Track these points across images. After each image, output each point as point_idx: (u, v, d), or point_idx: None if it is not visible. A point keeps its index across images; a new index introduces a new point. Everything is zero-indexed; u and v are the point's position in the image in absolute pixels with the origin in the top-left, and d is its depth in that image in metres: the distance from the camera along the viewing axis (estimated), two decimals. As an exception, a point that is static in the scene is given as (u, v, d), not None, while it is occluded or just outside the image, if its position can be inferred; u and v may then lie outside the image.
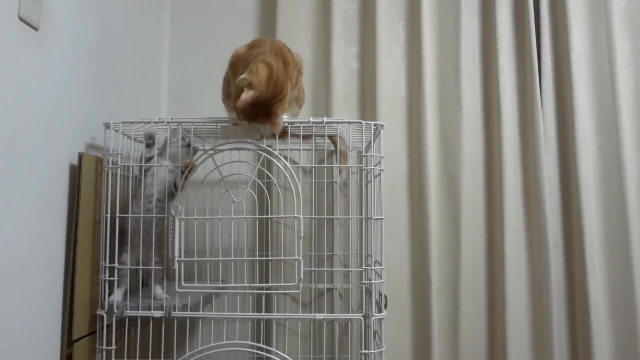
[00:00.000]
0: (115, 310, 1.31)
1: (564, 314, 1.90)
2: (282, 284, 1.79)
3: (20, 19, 1.09)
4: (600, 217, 1.90)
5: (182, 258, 1.30)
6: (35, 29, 1.14)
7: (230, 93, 1.35)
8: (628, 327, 1.84)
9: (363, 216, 1.40)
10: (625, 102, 1.90)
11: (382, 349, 1.34)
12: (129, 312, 1.33)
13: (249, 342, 1.74)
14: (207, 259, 1.50)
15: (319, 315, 1.38)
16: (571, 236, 1.92)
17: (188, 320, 1.41)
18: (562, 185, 1.94)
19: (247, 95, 1.21)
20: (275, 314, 1.83)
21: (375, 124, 1.38)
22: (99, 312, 1.31)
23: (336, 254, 1.85)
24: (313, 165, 1.82)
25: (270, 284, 1.82)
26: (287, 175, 1.31)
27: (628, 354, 1.83)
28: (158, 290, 1.40)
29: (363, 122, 1.37)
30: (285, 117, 1.38)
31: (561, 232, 1.93)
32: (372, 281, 1.36)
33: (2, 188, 1.03)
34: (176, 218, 1.30)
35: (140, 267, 1.37)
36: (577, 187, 1.87)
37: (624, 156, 1.86)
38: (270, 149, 1.33)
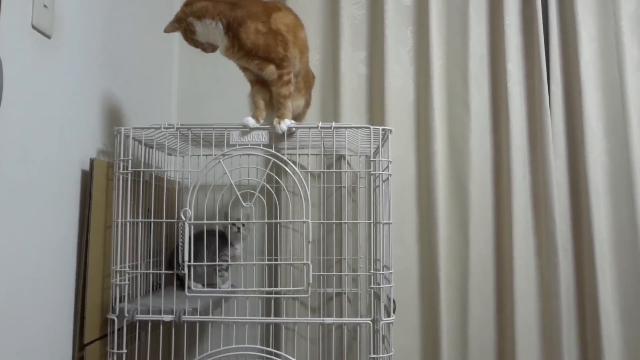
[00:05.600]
0: (126, 314, 1.32)
1: (573, 319, 1.89)
2: (291, 288, 1.79)
3: (34, 27, 1.10)
4: (610, 222, 1.89)
5: (192, 262, 1.31)
6: (48, 36, 1.16)
7: None
8: (638, 332, 1.83)
9: (372, 221, 1.41)
10: (634, 106, 1.89)
11: (391, 354, 1.34)
12: (140, 316, 1.34)
13: (258, 346, 1.75)
14: (217, 263, 1.51)
15: (328, 320, 1.38)
16: (581, 241, 1.91)
17: (198, 324, 1.42)
18: (571, 189, 1.94)
19: None
20: (284, 318, 1.84)
21: (383, 129, 1.38)
22: (110, 316, 1.32)
23: (345, 259, 1.86)
24: (321, 170, 1.83)
25: (279, 289, 1.83)
26: (296, 180, 1.32)
27: (639, 359, 1.82)
28: None
29: (371, 127, 1.38)
30: (290, 122, 1.40)
31: (570, 237, 1.92)
32: (381, 285, 1.37)
33: (15, 194, 1.05)
34: (186, 223, 1.31)
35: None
36: (587, 191, 1.86)
37: (633, 160, 1.85)
38: (279, 154, 1.34)
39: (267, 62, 1.38)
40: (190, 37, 1.39)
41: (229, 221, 1.62)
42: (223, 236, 1.61)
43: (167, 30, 1.39)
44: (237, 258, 1.67)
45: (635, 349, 1.83)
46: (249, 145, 1.38)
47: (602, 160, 1.91)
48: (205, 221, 1.43)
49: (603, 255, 1.84)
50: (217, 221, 1.42)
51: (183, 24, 1.37)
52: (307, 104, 1.60)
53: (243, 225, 1.65)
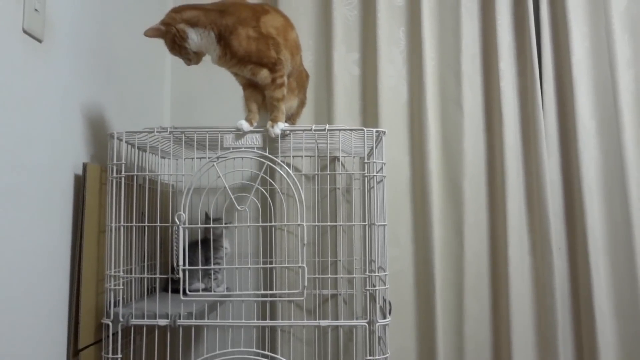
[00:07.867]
0: (121, 319, 1.32)
1: (568, 317, 1.89)
2: (287, 291, 1.79)
3: (25, 31, 1.10)
4: (604, 219, 1.90)
5: (187, 266, 1.30)
6: (39, 41, 1.15)
7: None
8: (633, 329, 1.84)
9: (366, 222, 1.40)
10: (626, 104, 1.90)
11: (387, 355, 1.34)
12: (135, 321, 1.33)
13: (254, 350, 1.74)
14: (212, 267, 1.50)
15: (324, 322, 1.38)
16: (575, 239, 1.92)
17: (193, 328, 1.41)
18: (564, 188, 1.94)
19: None
20: (280, 321, 1.83)
21: (377, 131, 1.38)
22: (105, 320, 1.32)
23: (340, 261, 1.85)
24: (316, 172, 1.82)
25: (274, 291, 1.82)
26: (290, 183, 1.32)
27: (634, 355, 1.83)
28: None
29: (365, 129, 1.37)
30: (284, 125, 1.39)
31: (565, 235, 1.93)
32: (377, 287, 1.37)
33: (8, 198, 1.04)
34: (180, 227, 1.30)
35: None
36: (580, 189, 1.87)
37: (626, 158, 1.86)
38: (273, 157, 1.34)
39: (260, 67, 1.37)
40: (179, 44, 1.35)
41: (223, 225, 1.61)
42: (210, 241, 1.60)
43: (148, 34, 1.34)
44: (229, 256, 1.67)
45: (629, 345, 1.84)
46: (243, 149, 1.38)
47: (595, 157, 1.92)
48: (199, 225, 1.43)
49: (597, 252, 1.84)
50: (212, 225, 1.42)
51: (172, 30, 1.33)
52: (302, 104, 1.60)
53: (226, 228, 1.64)
